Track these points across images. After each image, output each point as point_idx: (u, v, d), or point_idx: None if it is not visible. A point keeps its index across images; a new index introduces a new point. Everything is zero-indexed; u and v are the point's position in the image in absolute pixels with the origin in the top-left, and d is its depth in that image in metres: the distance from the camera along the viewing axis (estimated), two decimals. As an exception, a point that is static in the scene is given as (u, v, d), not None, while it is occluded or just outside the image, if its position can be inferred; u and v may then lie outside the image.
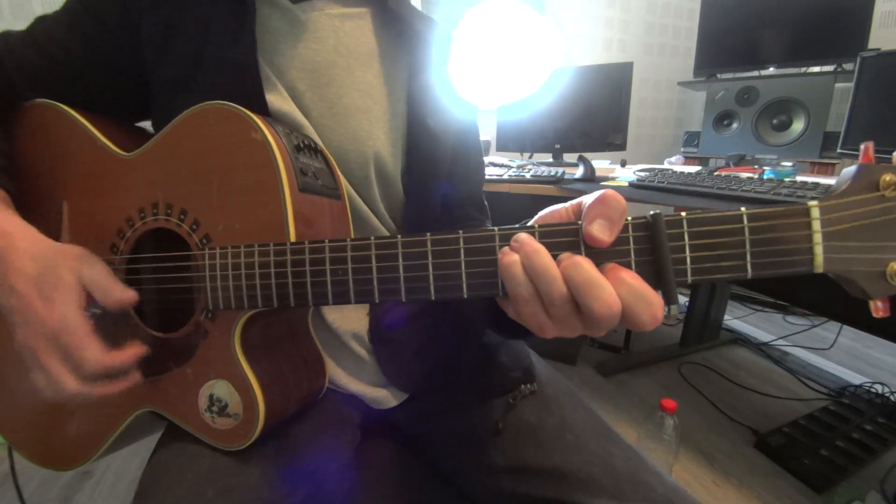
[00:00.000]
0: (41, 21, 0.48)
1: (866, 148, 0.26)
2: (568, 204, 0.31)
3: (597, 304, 0.26)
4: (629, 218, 0.28)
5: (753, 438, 1.23)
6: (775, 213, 0.26)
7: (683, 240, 0.27)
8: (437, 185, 0.51)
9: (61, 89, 0.48)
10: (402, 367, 0.51)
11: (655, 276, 0.27)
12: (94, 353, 0.37)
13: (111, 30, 0.46)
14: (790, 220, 0.25)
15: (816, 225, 0.25)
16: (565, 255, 0.28)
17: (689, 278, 0.27)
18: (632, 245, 0.28)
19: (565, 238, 0.28)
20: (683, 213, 0.27)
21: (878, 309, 0.27)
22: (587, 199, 0.28)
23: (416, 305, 0.52)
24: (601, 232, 0.27)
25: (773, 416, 1.33)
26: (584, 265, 0.26)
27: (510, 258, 0.28)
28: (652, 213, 0.27)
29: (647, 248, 0.27)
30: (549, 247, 0.28)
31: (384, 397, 0.51)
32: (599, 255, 0.28)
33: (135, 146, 0.44)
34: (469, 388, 0.51)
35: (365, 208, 0.49)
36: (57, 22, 0.47)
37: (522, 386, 0.49)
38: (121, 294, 0.39)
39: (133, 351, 0.39)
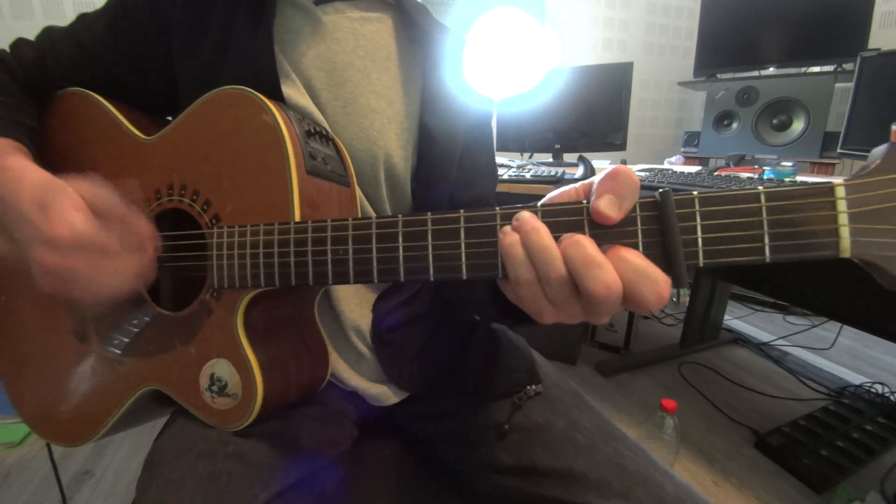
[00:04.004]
0: (82, 17, 0.50)
1: None
2: (579, 184, 0.30)
3: (594, 286, 0.25)
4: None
5: (753, 438, 1.23)
6: (796, 192, 0.24)
7: (695, 220, 0.25)
8: (443, 188, 0.52)
9: (96, 83, 0.49)
10: (404, 369, 0.51)
11: (665, 257, 0.26)
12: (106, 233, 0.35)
13: (143, 28, 0.47)
14: (813, 200, 0.24)
15: (842, 205, 0.23)
16: (567, 235, 0.26)
17: (701, 261, 0.25)
18: (639, 225, 0.26)
19: (570, 217, 0.27)
20: (695, 192, 0.25)
21: None
22: (598, 177, 0.27)
23: (415, 308, 0.52)
24: (609, 208, 0.26)
25: (773, 416, 1.32)
26: (584, 243, 0.25)
27: (511, 238, 0.27)
28: (661, 190, 0.26)
29: (655, 228, 0.26)
30: (553, 227, 0.27)
31: (384, 394, 0.51)
32: (605, 237, 0.27)
33: (156, 131, 0.46)
34: (473, 390, 0.51)
35: (370, 210, 0.50)
36: (96, 19, 0.49)
37: (528, 387, 0.49)
38: (122, 205, 0.37)
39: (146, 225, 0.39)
